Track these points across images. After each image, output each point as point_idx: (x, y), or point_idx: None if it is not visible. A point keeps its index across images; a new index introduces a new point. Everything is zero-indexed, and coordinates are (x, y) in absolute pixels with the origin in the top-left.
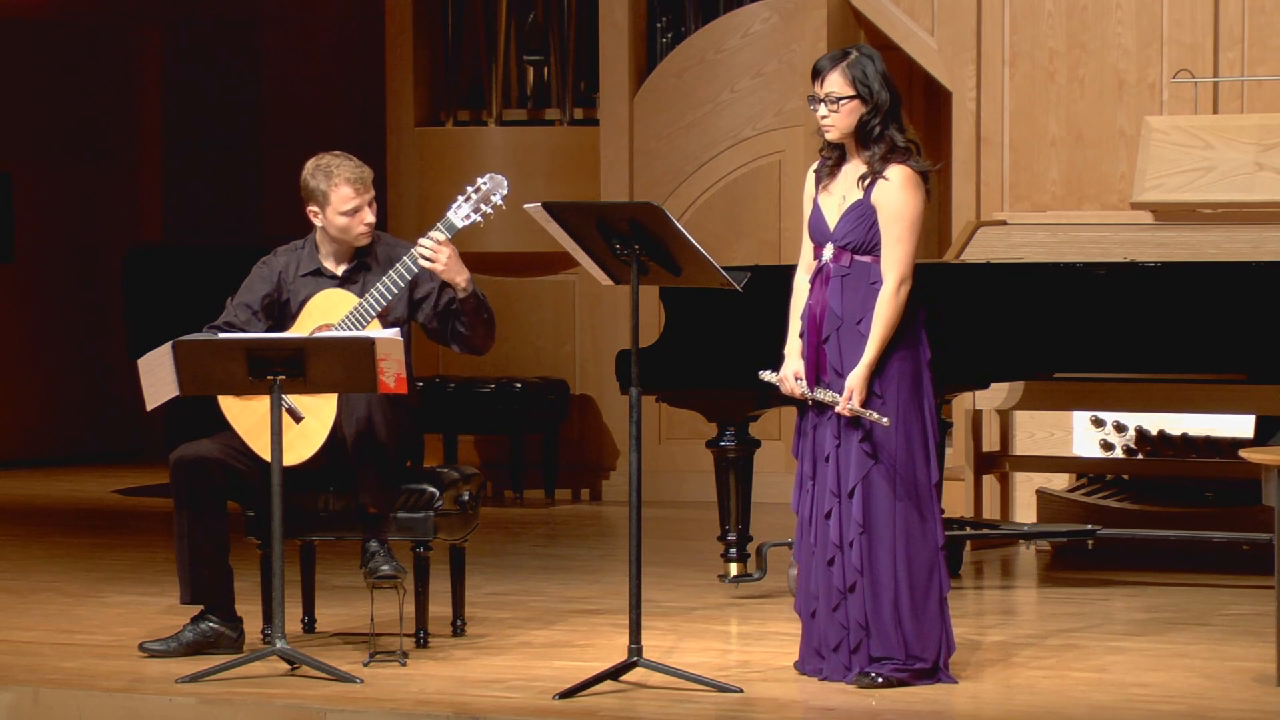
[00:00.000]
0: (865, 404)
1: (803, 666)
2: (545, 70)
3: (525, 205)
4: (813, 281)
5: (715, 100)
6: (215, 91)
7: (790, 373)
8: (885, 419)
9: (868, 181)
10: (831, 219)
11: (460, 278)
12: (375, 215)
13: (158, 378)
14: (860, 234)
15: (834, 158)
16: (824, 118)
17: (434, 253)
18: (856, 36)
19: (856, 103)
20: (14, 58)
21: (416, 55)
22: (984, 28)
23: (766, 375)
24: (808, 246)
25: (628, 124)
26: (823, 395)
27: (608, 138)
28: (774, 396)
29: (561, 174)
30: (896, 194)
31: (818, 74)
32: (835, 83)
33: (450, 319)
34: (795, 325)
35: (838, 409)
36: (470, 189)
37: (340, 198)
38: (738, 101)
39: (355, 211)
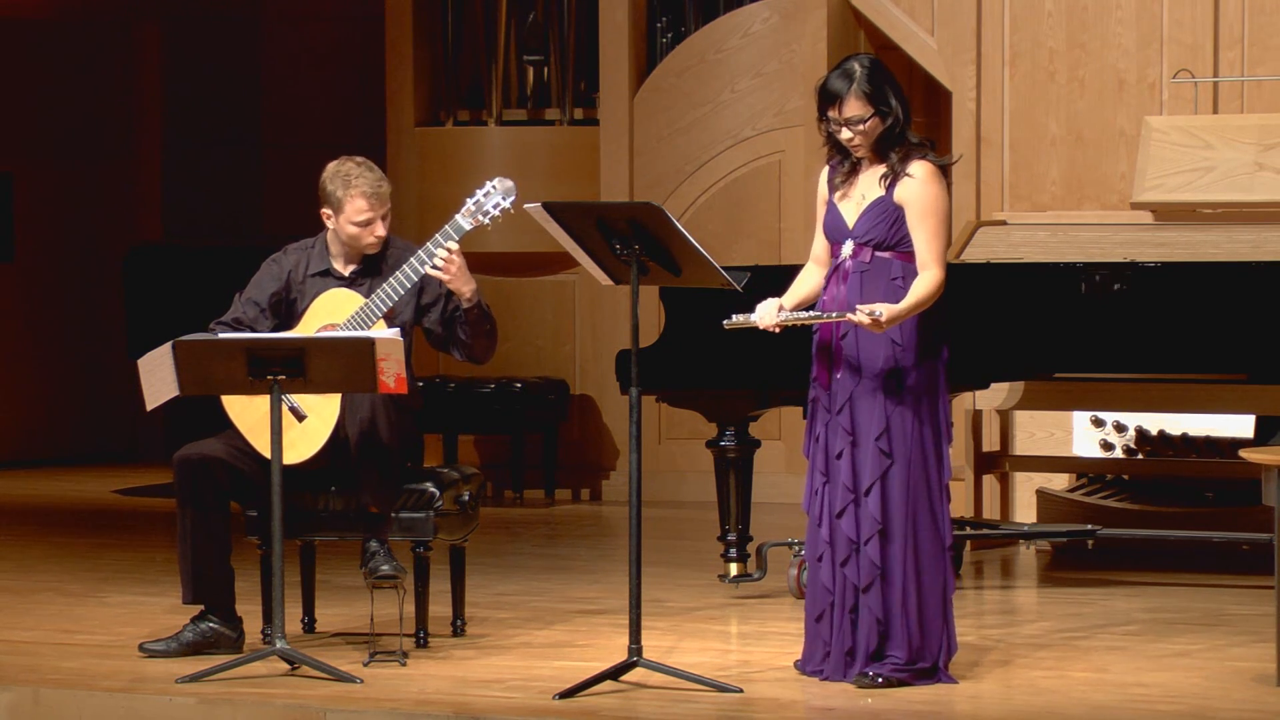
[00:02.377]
0: (881, 400)
1: (805, 666)
2: (545, 70)
3: (525, 205)
4: (828, 279)
5: (715, 100)
6: (215, 90)
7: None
8: (878, 312)
9: (889, 181)
10: (850, 217)
11: (467, 288)
12: (387, 228)
13: (158, 378)
14: (883, 231)
15: (849, 164)
16: (849, 140)
17: (446, 263)
18: (856, 36)
19: (877, 119)
20: (14, 58)
21: (416, 55)
22: (984, 28)
23: (735, 319)
24: (819, 241)
25: (628, 124)
26: (804, 314)
27: (608, 138)
28: (774, 396)
29: (561, 174)
30: (924, 189)
31: (833, 98)
32: (854, 107)
33: (454, 326)
34: (793, 293)
35: (849, 317)
36: (479, 191)
37: (354, 209)
38: (738, 101)
39: (367, 224)
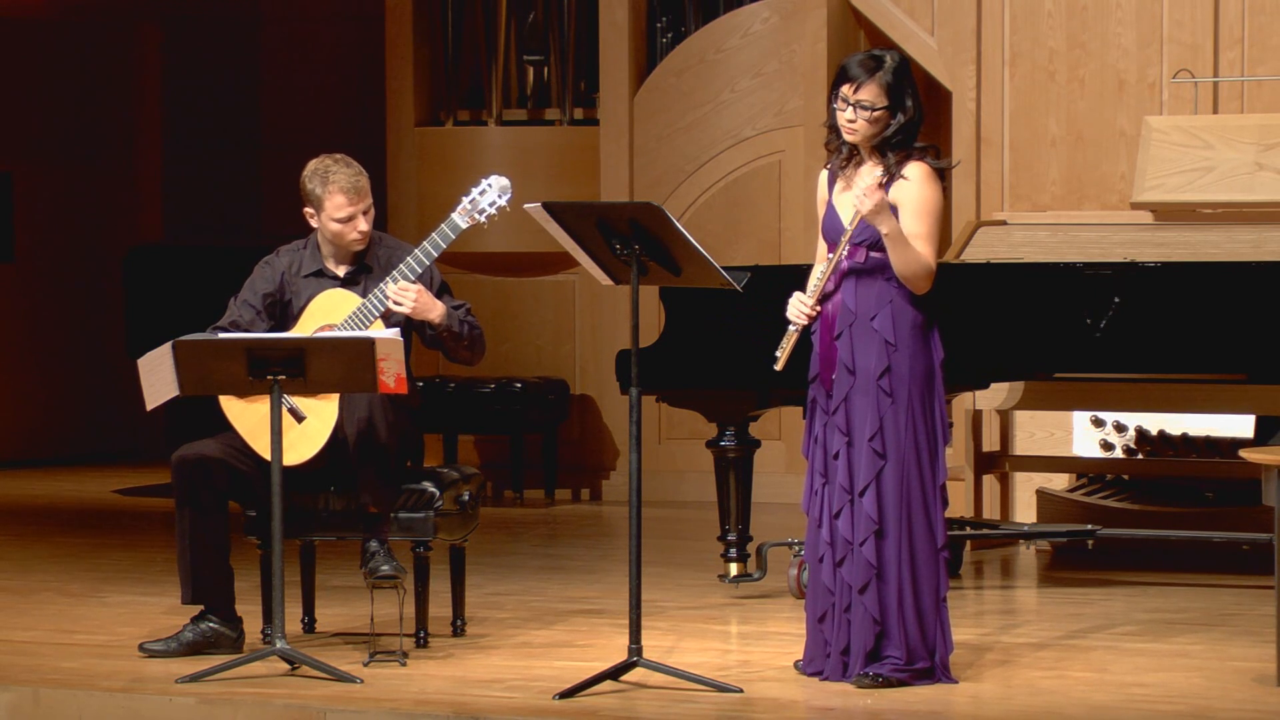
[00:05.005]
0: (874, 400)
1: (807, 667)
2: (545, 70)
3: (525, 205)
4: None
5: (715, 100)
6: (215, 91)
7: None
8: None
9: (885, 180)
10: (847, 216)
11: (432, 315)
12: (371, 223)
13: (158, 378)
14: (877, 230)
15: (847, 151)
16: (850, 122)
17: (401, 297)
18: (856, 36)
19: (886, 113)
20: (14, 58)
21: (416, 55)
22: (984, 28)
23: (779, 351)
24: (822, 243)
25: (628, 124)
26: (815, 276)
27: (608, 138)
28: (774, 396)
29: (561, 174)
30: (917, 190)
31: (852, 79)
32: (872, 92)
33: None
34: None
35: (859, 206)
36: (474, 189)
37: (334, 205)
38: (738, 101)
39: (349, 220)
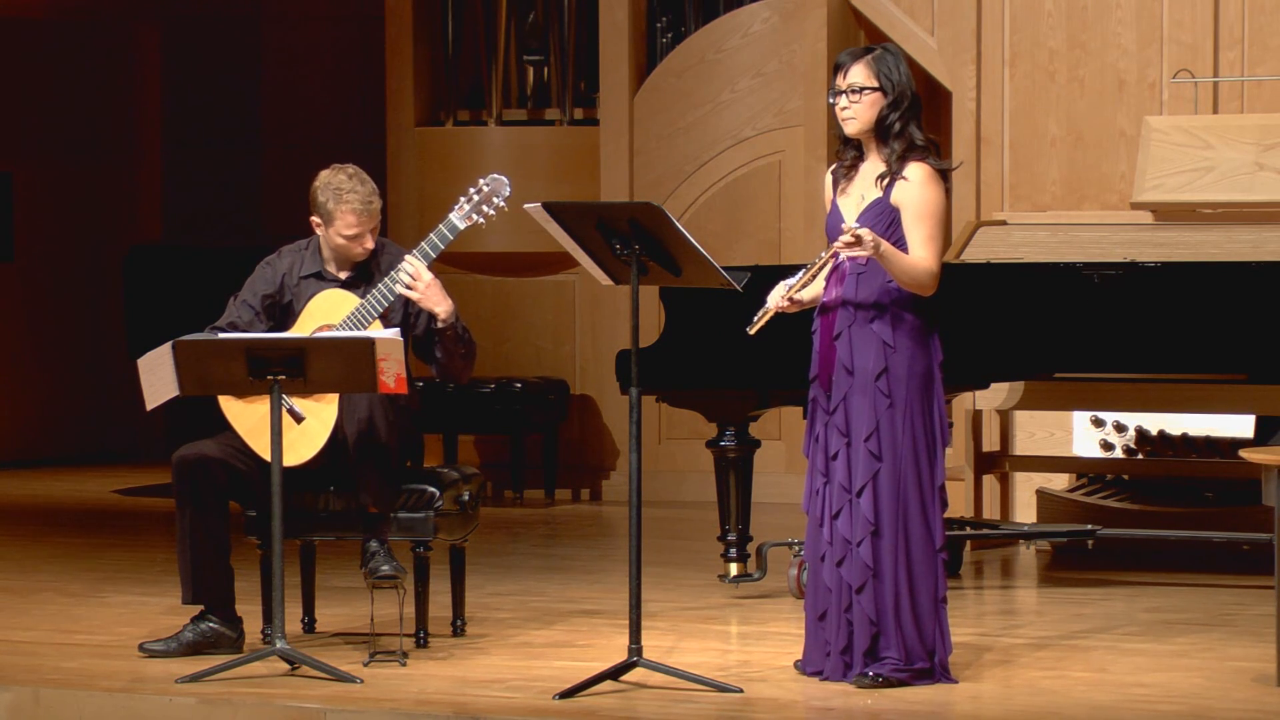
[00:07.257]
0: (871, 401)
1: (806, 667)
2: (545, 70)
3: (525, 205)
4: (828, 280)
5: (715, 100)
6: (215, 91)
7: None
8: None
9: (886, 181)
10: (850, 217)
11: (440, 308)
12: (376, 236)
13: (158, 378)
14: (879, 232)
15: (851, 157)
16: (844, 109)
17: (413, 281)
18: (856, 36)
19: (878, 95)
20: (14, 58)
21: (416, 55)
22: (984, 28)
23: (755, 319)
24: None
25: (628, 124)
26: (798, 276)
27: (608, 138)
28: (774, 396)
29: (561, 174)
30: (919, 191)
31: (840, 67)
32: (858, 74)
33: (432, 341)
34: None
35: (836, 246)
36: (473, 190)
37: (344, 223)
38: (738, 101)
39: (356, 238)
